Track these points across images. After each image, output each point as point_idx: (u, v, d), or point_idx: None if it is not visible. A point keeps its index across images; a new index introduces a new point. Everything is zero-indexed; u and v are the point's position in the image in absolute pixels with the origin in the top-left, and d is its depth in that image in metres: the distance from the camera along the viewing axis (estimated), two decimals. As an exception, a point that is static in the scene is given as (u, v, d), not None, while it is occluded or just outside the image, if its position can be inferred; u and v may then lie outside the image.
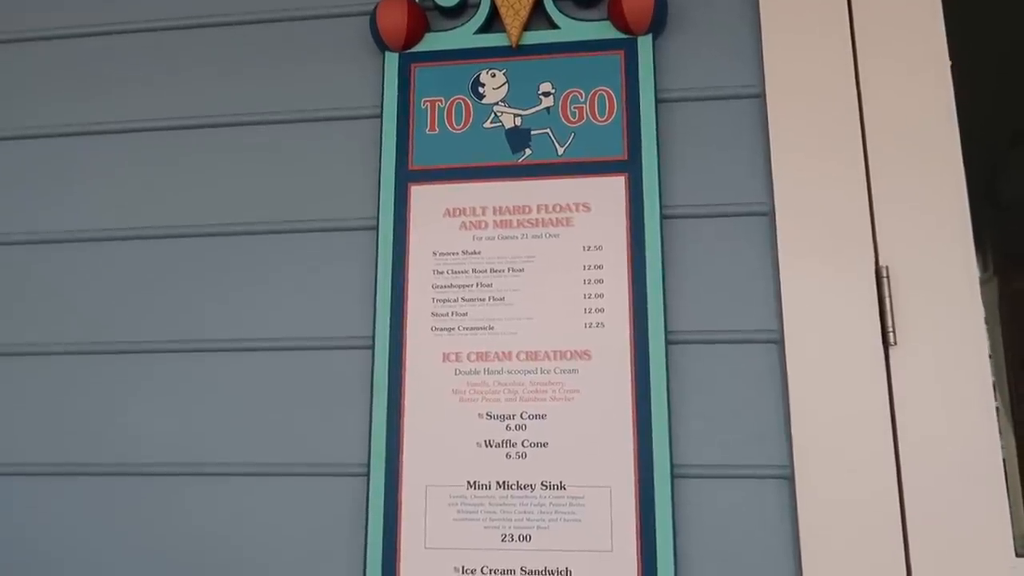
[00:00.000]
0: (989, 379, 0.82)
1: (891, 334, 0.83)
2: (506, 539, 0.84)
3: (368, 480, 0.86)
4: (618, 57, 0.94)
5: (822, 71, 0.91)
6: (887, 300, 0.84)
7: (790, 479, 0.82)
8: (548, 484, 0.84)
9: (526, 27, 0.97)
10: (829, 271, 0.86)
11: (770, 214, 0.89)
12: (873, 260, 0.85)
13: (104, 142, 1.03)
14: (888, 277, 0.84)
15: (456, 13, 1.00)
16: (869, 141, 0.89)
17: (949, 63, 0.91)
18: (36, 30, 1.08)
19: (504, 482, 0.85)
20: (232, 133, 1.01)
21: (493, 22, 0.98)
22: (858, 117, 0.90)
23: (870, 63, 0.91)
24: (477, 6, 0.99)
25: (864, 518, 0.80)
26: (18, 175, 1.03)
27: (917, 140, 0.88)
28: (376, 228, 0.94)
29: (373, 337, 0.90)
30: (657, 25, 0.94)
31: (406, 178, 0.94)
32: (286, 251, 0.96)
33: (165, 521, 0.91)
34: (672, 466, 0.83)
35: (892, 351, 0.83)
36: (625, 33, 0.94)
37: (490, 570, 0.83)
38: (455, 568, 0.84)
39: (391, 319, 0.90)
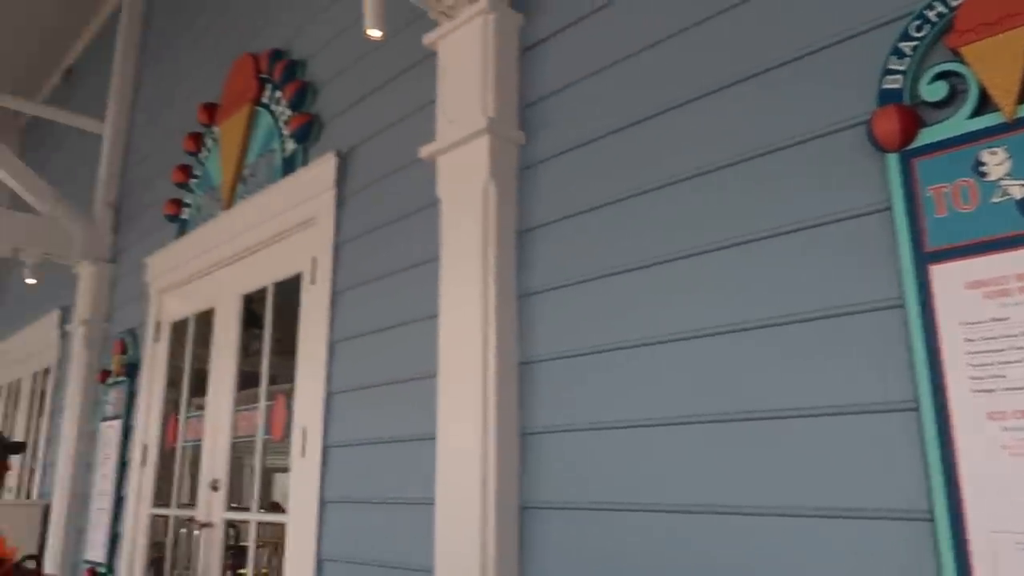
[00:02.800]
0: None
1: None
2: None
3: (934, 525, 1.02)
4: None
5: None
6: None
7: None
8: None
9: (1019, 100, 1.04)
10: None
11: None
12: None
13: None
14: None
15: (945, 104, 1.11)
16: None
17: None
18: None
19: (1070, 528, 0.93)
20: (763, 246, 1.27)
21: (984, 104, 1.07)
22: None
23: None
24: (966, 91, 1.09)
25: None
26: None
27: None
28: (903, 306, 1.10)
29: (917, 400, 1.06)
30: None
31: (924, 260, 1.08)
32: (823, 337, 1.18)
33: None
34: None
35: None
36: None
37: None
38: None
39: (931, 384, 1.05)
